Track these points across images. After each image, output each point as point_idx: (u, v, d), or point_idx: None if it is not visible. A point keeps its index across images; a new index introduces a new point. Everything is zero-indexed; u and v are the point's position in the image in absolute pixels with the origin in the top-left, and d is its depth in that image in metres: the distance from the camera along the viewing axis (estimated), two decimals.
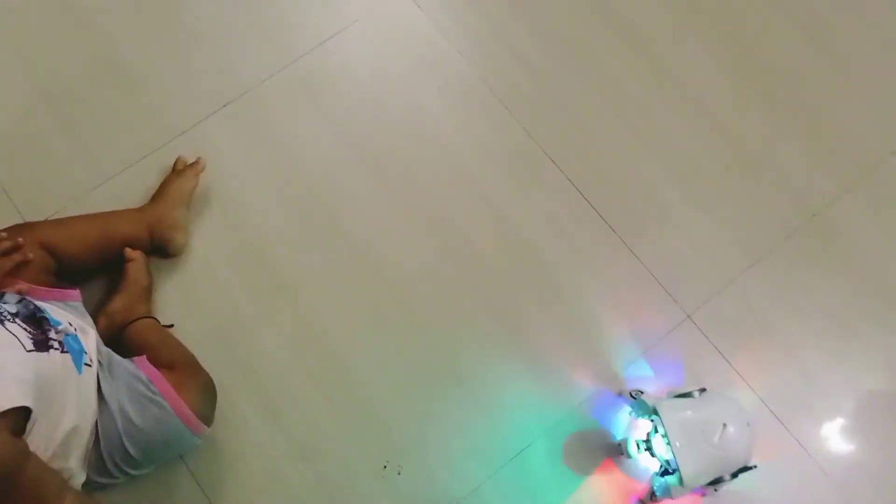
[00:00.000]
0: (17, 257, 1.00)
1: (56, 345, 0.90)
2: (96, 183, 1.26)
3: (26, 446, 0.80)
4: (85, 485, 0.95)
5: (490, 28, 1.43)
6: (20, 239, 1.02)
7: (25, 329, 0.88)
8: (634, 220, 1.34)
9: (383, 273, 1.28)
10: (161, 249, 1.17)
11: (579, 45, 1.43)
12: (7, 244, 1.00)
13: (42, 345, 0.87)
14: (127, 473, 0.99)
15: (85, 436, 0.92)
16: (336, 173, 1.32)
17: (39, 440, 0.84)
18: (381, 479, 1.18)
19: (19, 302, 0.94)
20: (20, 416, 0.79)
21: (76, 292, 1.08)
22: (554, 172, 1.35)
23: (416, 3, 1.43)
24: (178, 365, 1.07)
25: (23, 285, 0.99)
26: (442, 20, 1.42)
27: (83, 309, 1.08)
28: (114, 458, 0.96)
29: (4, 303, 0.92)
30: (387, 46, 1.41)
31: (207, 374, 1.10)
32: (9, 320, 0.88)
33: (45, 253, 1.06)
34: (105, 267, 1.16)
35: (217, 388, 1.11)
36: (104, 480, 0.98)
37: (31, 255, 1.02)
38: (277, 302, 1.24)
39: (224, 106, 1.33)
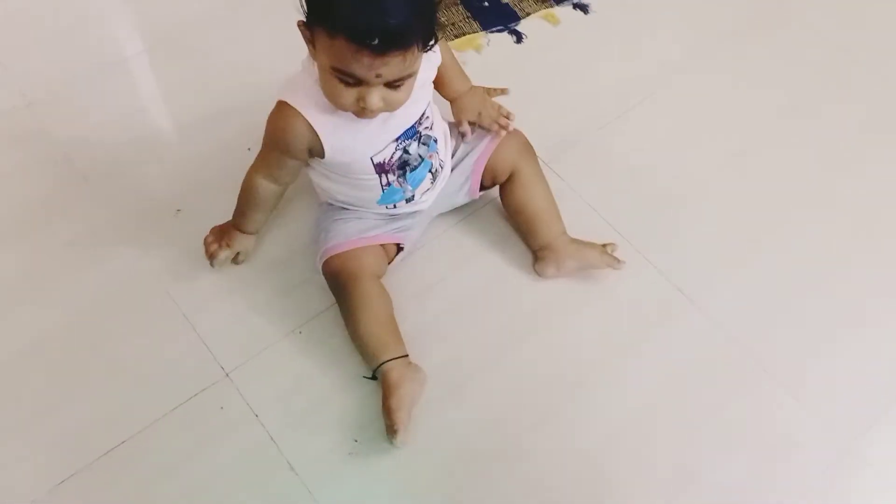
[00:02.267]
0: (502, 132, 1.23)
1: (384, 180, 1.12)
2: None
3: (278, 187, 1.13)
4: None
5: None
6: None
7: (392, 157, 1.09)
8: None
9: None
10: (536, 256, 1.30)
11: None
12: (506, 122, 1.24)
13: (380, 170, 1.10)
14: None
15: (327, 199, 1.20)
16: None
17: (317, 174, 1.14)
18: None
19: (424, 154, 1.14)
20: (318, 145, 1.04)
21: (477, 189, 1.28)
22: None
23: None
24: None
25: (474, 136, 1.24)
26: None
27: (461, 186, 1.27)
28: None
29: (422, 143, 1.13)
30: None
31: None
32: (401, 142, 1.09)
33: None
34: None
35: None
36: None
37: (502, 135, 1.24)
38: None
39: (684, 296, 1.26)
